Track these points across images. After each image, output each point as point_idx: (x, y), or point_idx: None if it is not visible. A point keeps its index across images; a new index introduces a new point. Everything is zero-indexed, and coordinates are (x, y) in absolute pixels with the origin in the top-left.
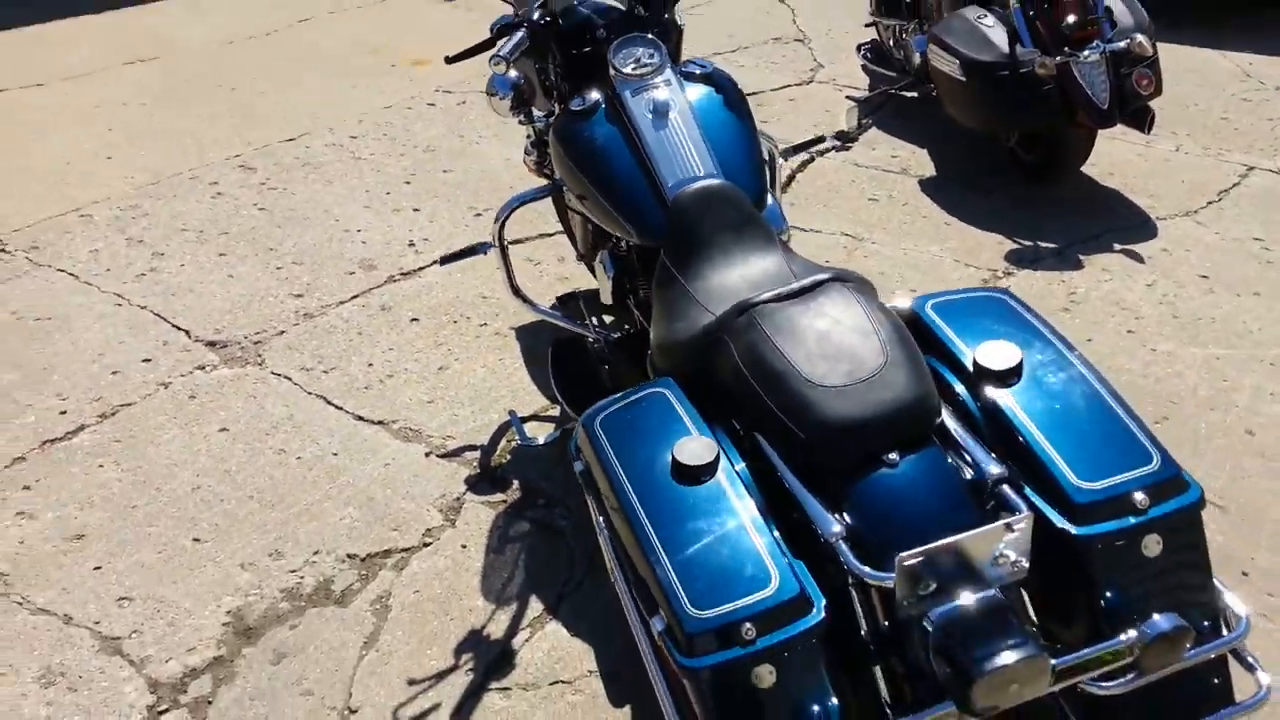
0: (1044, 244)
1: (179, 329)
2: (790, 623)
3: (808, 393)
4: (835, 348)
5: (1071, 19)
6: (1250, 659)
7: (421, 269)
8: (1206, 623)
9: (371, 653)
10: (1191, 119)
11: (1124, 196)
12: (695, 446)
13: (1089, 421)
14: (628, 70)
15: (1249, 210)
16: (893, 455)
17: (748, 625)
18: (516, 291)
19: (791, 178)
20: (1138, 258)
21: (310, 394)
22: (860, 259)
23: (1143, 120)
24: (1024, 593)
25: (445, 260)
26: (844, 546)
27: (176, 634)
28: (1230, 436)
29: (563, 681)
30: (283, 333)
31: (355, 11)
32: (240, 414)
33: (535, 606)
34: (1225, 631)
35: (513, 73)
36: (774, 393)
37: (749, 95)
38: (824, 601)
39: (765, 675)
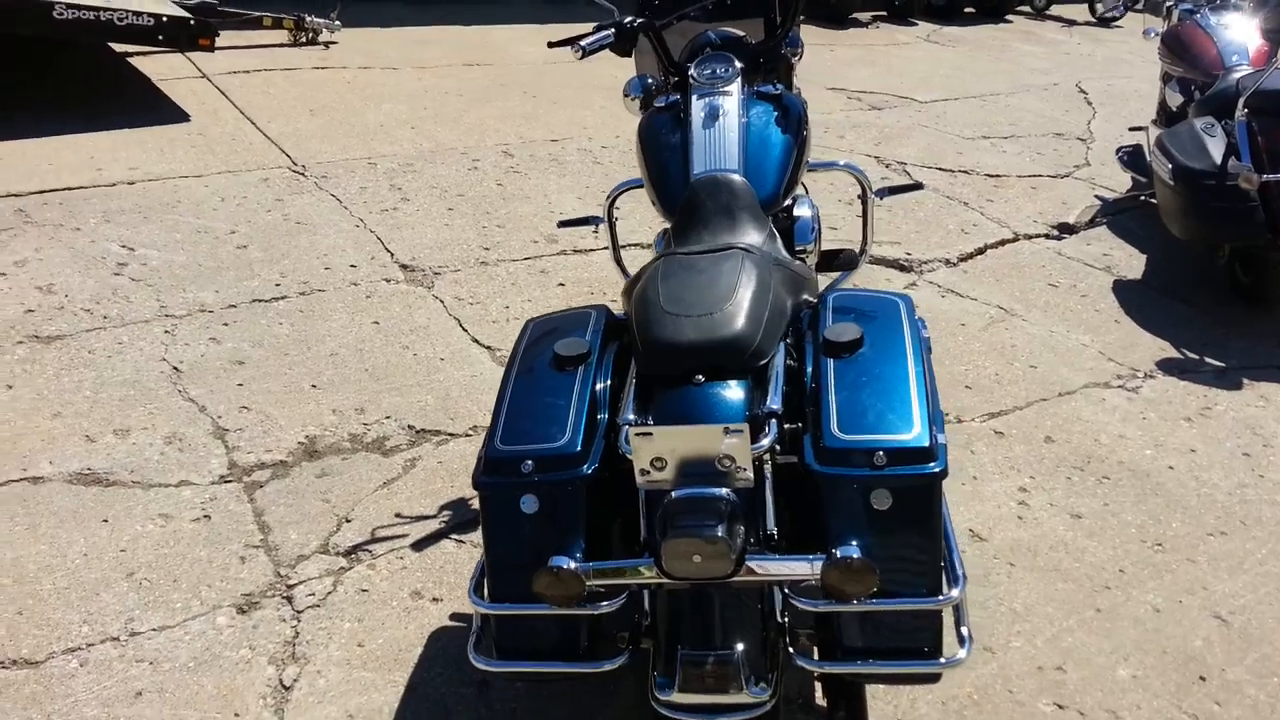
0: (1211, 360)
1: (387, 250)
2: (562, 470)
3: (655, 315)
4: (697, 291)
5: None
6: (964, 630)
7: (591, 250)
8: (924, 581)
9: (383, 490)
10: None
11: None
12: (572, 342)
13: (882, 393)
14: (702, 78)
15: None
16: (699, 377)
17: (528, 462)
18: (618, 261)
19: (981, 250)
20: None
21: (450, 316)
22: (999, 330)
23: None
24: (770, 509)
25: (563, 224)
26: (627, 430)
27: (265, 439)
28: None
29: None
30: (458, 271)
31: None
32: (393, 316)
33: None
34: (951, 593)
35: (650, 79)
36: (637, 314)
37: (995, 177)
38: (597, 465)
39: (529, 503)
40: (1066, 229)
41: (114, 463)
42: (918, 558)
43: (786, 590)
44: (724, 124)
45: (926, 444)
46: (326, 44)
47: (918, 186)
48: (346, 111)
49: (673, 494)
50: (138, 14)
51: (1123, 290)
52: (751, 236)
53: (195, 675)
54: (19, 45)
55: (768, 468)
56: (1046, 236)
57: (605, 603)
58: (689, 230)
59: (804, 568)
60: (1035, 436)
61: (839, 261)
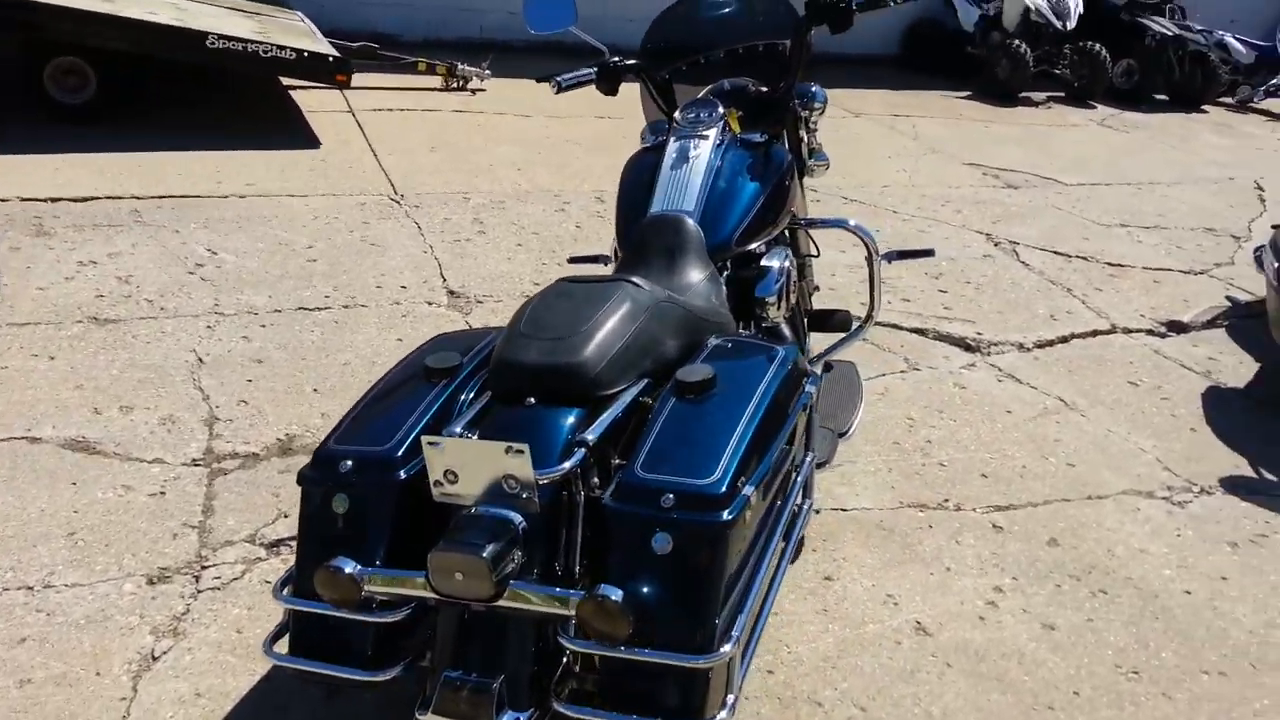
0: None
1: (442, 276)
2: (375, 473)
3: (510, 335)
4: (558, 316)
5: None
6: (729, 698)
7: None
8: (693, 636)
9: None
10: None
11: None
12: (443, 355)
13: (701, 438)
14: (684, 122)
15: None
16: (531, 400)
17: (348, 462)
18: None
19: (1064, 339)
20: None
21: None
22: (1048, 422)
23: None
24: (577, 542)
25: (573, 260)
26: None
27: (249, 432)
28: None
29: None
30: (499, 301)
31: None
32: (420, 335)
33: None
34: (717, 654)
35: (666, 125)
36: (504, 333)
37: (1115, 266)
38: (415, 474)
39: (341, 502)
40: (1176, 327)
41: (106, 435)
42: (691, 610)
43: (559, 625)
44: (692, 167)
45: (720, 492)
46: (474, 90)
47: (928, 253)
48: (464, 151)
49: (464, 511)
50: (281, 48)
51: (1215, 397)
52: (688, 277)
53: (80, 632)
54: (193, 69)
55: (579, 499)
56: (1149, 333)
57: (389, 612)
58: (631, 266)
59: (558, 602)
60: (1038, 537)
61: (832, 323)
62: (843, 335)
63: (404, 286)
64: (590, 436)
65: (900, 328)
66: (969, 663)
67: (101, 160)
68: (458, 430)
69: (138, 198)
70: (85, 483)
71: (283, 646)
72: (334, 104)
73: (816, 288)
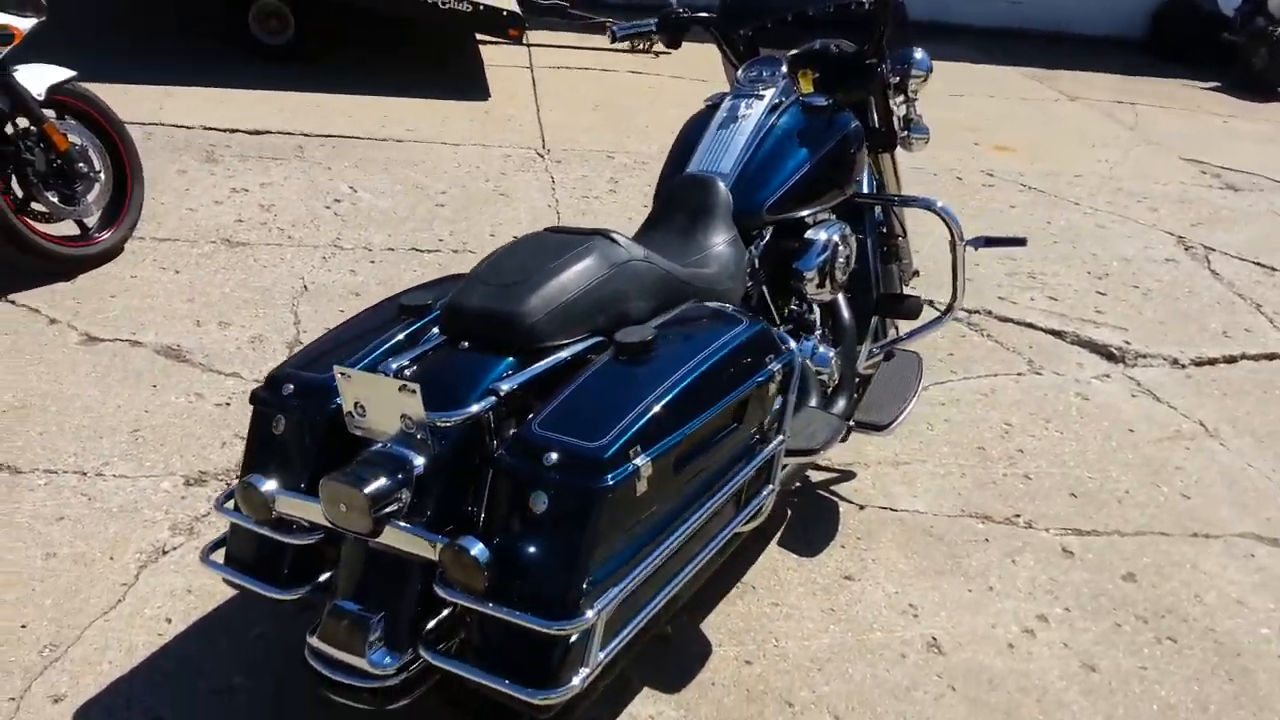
0: None
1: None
2: (313, 401)
3: (467, 279)
4: (517, 264)
5: None
6: (582, 671)
7: None
8: (554, 601)
9: None
10: None
11: None
12: (419, 294)
13: (611, 400)
14: (744, 81)
15: None
16: (465, 344)
17: (289, 386)
18: None
19: (1231, 359)
20: None
21: None
22: (1175, 447)
23: None
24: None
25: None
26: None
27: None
28: None
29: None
30: None
31: (986, 100)
32: None
33: None
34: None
35: None
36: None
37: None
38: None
39: (279, 424)
40: None
41: (197, 345)
42: (554, 573)
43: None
44: (738, 127)
45: (603, 457)
46: (658, 53)
47: (1020, 242)
48: (625, 111)
49: (373, 445)
50: (460, 0)
51: None
52: (704, 240)
53: (110, 519)
54: (391, 20)
55: (492, 449)
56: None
57: (303, 534)
58: (652, 224)
59: (427, 546)
60: (1113, 569)
61: (901, 308)
62: (917, 325)
63: (515, 236)
64: (505, 386)
65: (1034, 326)
66: (977, 690)
67: (284, 98)
68: (394, 366)
69: (306, 135)
70: (164, 387)
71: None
72: (517, 60)
73: (916, 272)
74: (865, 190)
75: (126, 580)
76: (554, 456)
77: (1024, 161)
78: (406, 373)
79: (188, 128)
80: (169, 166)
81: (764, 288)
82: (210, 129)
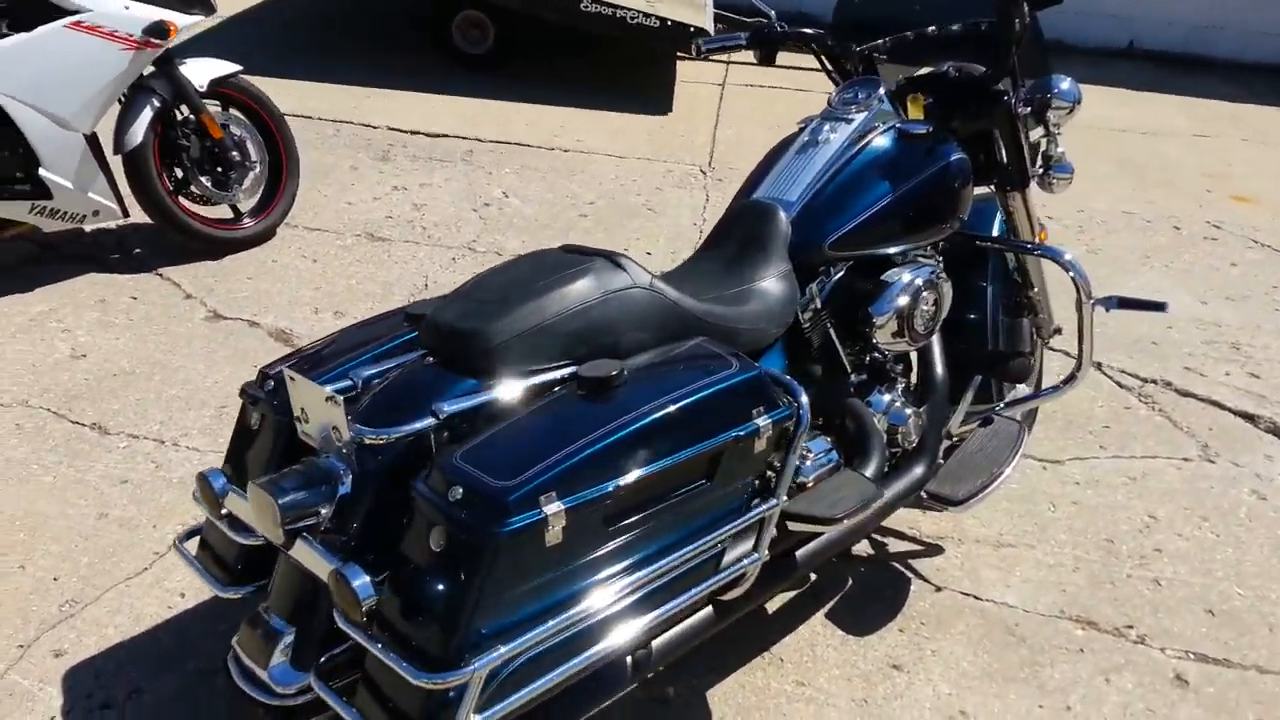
0: None
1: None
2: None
3: (454, 292)
4: (506, 282)
5: None
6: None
7: None
8: (430, 647)
9: None
10: None
11: None
12: (425, 304)
13: (542, 438)
14: (836, 103)
15: None
16: (430, 359)
17: (270, 384)
18: None
19: None
20: None
21: None
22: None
23: None
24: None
25: None
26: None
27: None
28: None
29: None
30: None
31: (1236, 143)
32: None
33: None
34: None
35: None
36: None
37: None
38: None
39: (254, 419)
40: None
41: (307, 331)
42: (434, 618)
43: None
44: (816, 153)
45: (506, 500)
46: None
47: (1159, 306)
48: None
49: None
50: (648, 15)
51: None
52: (750, 272)
53: (166, 489)
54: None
55: None
56: None
57: (248, 534)
58: (701, 251)
59: (324, 567)
60: (1236, 711)
61: (1004, 369)
62: (1029, 392)
63: (649, 253)
64: (447, 408)
65: (1221, 406)
66: None
67: (471, 104)
68: (365, 374)
69: (479, 140)
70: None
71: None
72: (710, 76)
73: (1057, 330)
74: (995, 234)
75: (159, 550)
76: (459, 492)
77: (1264, 215)
78: (375, 383)
79: (374, 127)
80: (344, 162)
81: (831, 331)
82: (394, 129)
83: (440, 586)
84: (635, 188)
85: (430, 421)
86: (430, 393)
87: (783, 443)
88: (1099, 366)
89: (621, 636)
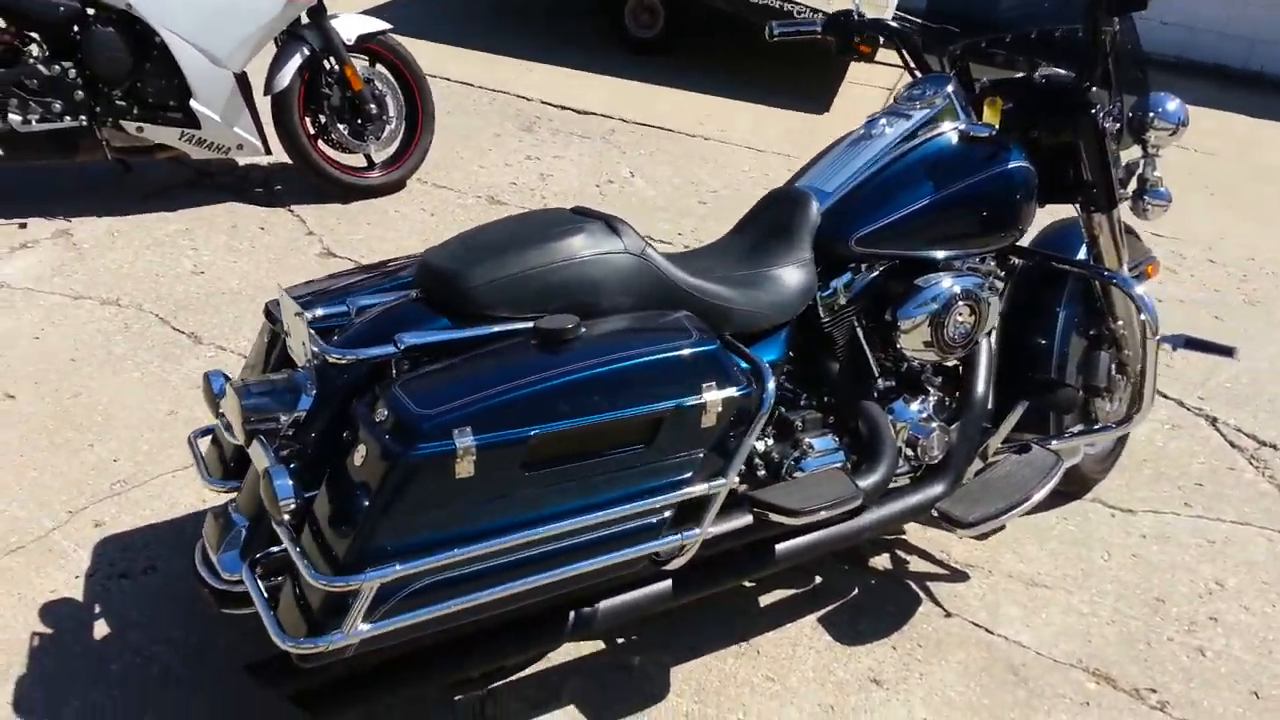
0: None
1: None
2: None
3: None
4: (503, 233)
5: None
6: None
7: None
8: (335, 553)
9: None
10: None
11: None
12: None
13: (485, 380)
14: (900, 98)
15: None
16: (414, 292)
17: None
18: None
19: None
20: None
21: None
22: None
23: None
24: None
25: None
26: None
27: None
28: None
29: None
30: None
31: None
32: None
33: None
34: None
35: None
36: None
37: None
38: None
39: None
40: None
41: None
42: (338, 526)
43: None
44: (866, 146)
45: (420, 426)
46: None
47: (1227, 351)
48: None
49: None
50: (815, 10)
51: None
52: (767, 256)
53: None
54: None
55: None
56: None
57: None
58: (732, 232)
59: (264, 466)
60: None
61: (1049, 398)
62: (1081, 427)
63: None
64: (408, 339)
65: None
66: None
67: (627, 86)
68: (361, 303)
69: (623, 120)
70: None
71: None
72: (881, 79)
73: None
74: (1079, 257)
75: None
76: (384, 414)
77: None
78: (367, 310)
79: (527, 99)
80: (490, 128)
81: (859, 330)
82: (546, 103)
83: (351, 499)
84: (764, 181)
85: (390, 349)
86: (403, 325)
87: (734, 422)
88: (1213, 422)
89: (533, 581)
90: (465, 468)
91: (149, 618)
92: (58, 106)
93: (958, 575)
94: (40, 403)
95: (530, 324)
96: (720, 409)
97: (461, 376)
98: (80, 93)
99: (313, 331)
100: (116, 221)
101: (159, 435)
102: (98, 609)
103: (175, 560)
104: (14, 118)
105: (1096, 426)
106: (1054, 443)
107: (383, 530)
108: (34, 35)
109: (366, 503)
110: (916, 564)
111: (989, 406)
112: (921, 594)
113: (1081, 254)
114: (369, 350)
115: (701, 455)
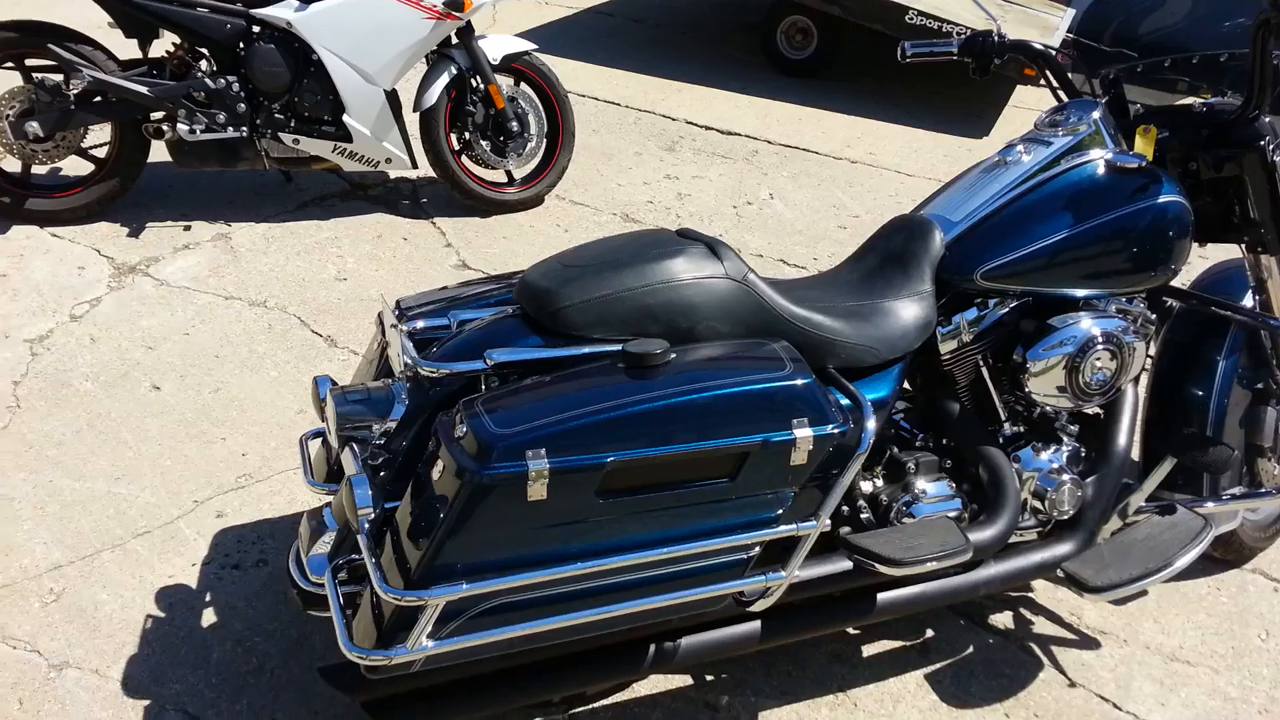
0: None
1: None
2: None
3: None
4: (607, 252)
5: None
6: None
7: None
8: (406, 568)
9: None
10: None
11: None
12: None
13: (568, 403)
14: (1041, 123)
15: None
16: (512, 309)
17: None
18: None
19: None
20: None
21: None
22: None
23: None
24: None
25: None
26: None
27: None
28: None
29: None
30: None
31: None
32: None
33: None
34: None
35: None
36: None
37: None
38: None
39: (376, 343)
40: None
41: None
42: (410, 540)
43: None
44: (1000, 174)
45: (495, 446)
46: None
47: None
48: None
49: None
50: (966, 28)
51: None
52: (883, 286)
53: None
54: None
55: None
56: None
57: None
58: (849, 259)
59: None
60: None
61: (1196, 456)
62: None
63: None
64: (497, 356)
65: None
66: None
67: (776, 107)
68: (461, 317)
69: (768, 141)
70: None
71: None
72: (1050, 102)
73: None
74: (1245, 304)
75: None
76: (464, 431)
77: None
78: (467, 326)
79: (672, 119)
80: (631, 147)
81: (985, 370)
82: (690, 123)
83: (428, 514)
84: (910, 207)
85: (479, 365)
86: (496, 341)
87: (827, 463)
88: None
89: (605, 613)
90: (538, 490)
91: (254, 609)
92: (222, 118)
93: (1088, 642)
94: (183, 395)
95: (608, 346)
96: (811, 447)
97: (543, 397)
98: (242, 105)
99: (407, 343)
100: (272, 228)
101: (286, 433)
102: (208, 597)
103: (285, 556)
104: (182, 127)
105: (1259, 490)
106: (1206, 505)
107: (452, 548)
108: (203, 51)
109: (436, 518)
110: (1042, 625)
111: (1131, 460)
112: (1044, 659)
113: (1247, 300)
114: (459, 364)
115: (791, 494)
